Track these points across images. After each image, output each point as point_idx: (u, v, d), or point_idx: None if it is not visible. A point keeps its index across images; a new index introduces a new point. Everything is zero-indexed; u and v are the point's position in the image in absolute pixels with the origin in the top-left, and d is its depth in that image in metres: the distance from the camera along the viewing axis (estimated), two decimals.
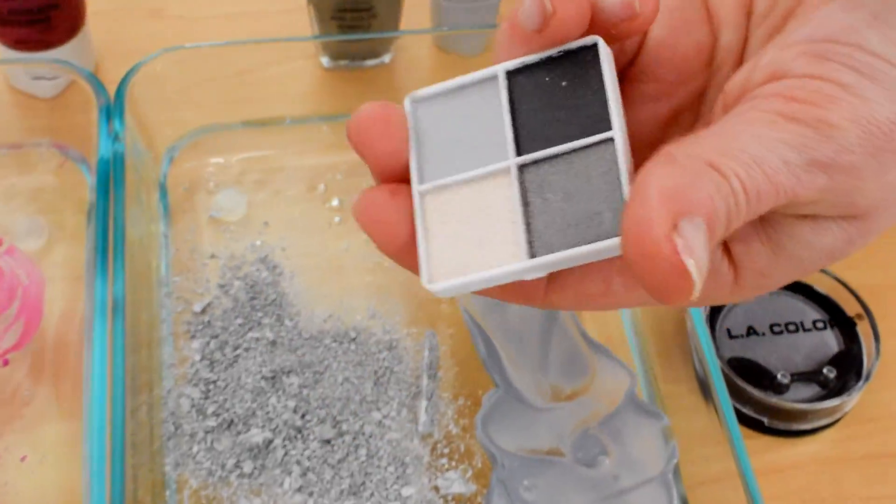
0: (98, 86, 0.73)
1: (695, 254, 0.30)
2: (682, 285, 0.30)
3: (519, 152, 0.36)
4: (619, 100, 0.36)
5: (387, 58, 0.87)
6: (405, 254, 0.36)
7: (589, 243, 0.33)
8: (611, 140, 0.34)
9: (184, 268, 0.74)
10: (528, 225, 0.35)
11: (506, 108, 0.36)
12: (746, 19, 0.40)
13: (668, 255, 0.30)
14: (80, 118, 0.77)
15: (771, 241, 0.36)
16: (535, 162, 0.35)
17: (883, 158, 0.34)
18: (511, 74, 0.37)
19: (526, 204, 0.35)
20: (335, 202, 0.78)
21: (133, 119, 0.73)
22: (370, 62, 0.87)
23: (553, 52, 0.36)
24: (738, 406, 0.71)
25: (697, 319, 0.67)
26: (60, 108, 0.82)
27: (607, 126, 0.35)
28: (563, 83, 0.36)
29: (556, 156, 0.35)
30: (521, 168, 0.35)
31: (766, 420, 0.71)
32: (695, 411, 0.68)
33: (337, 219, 0.77)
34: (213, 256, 0.74)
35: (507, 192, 0.35)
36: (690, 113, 0.41)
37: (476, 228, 0.35)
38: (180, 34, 0.89)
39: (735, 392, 0.70)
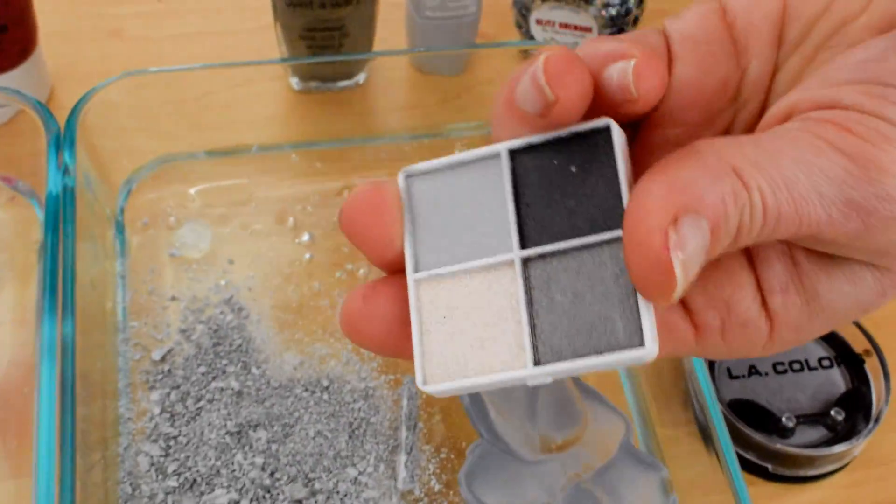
0: (47, 115, 0.67)
1: (685, 253, 0.29)
2: (664, 281, 0.29)
3: (524, 244, 0.33)
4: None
5: (361, 78, 0.82)
6: (394, 351, 0.35)
7: (599, 354, 0.31)
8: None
9: (142, 311, 0.68)
10: (532, 327, 0.33)
11: (509, 193, 0.34)
12: (776, 49, 0.37)
13: (657, 248, 0.29)
14: (29, 148, 0.72)
15: (806, 290, 0.34)
16: (542, 256, 0.33)
17: None
18: (515, 154, 0.34)
19: (530, 303, 0.33)
20: (305, 237, 0.73)
21: (86, 150, 0.68)
22: (343, 83, 0.82)
23: (562, 132, 0.34)
24: (741, 451, 0.66)
25: (697, 360, 0.62)
26: (8, 137, 0.76)
27: (621, 221, 0.32)
28: (573, 168, 0.34)
29: (564, 251, 0.33)
30: (526, 262, 0.33)
31: (770, 466, 0.67)
32: (695, 457, 0.63)
33: (308, 255, 0.72)
34: (173, 298, 0.69)
35: (510, 288, 0.33)
36: None
37: (476, 326, 0.33)
38: (141, 56, 0.85)
39: (737, 437, 0.65)
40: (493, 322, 0.33)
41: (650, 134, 0.37)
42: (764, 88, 0.37)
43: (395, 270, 0.36)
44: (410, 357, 0.34)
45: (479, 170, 0.35)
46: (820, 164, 0.30)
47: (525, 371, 0.32)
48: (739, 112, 0.38)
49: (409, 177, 0.36)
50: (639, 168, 0.36)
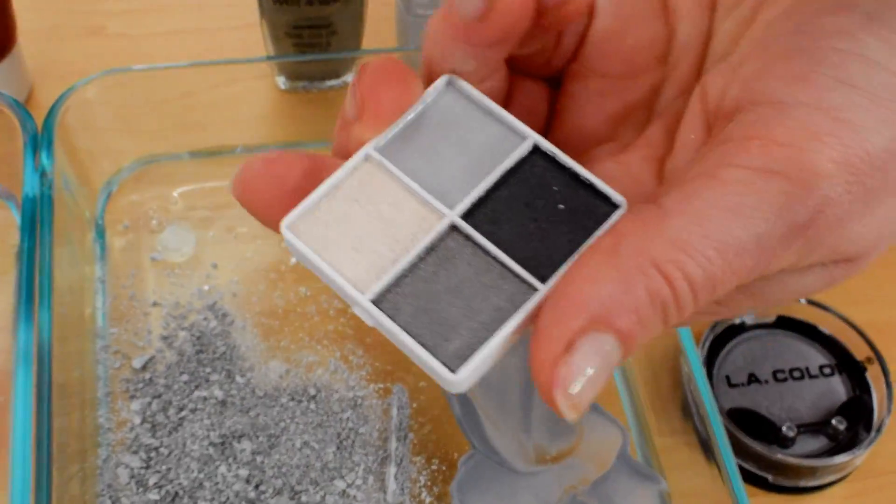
0: (24, 114, 0.65)
1: (575, 381, 0.29)
2: (558, 409, 0.29)
3: (466, 216, 0.34)
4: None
5: (349, 77, 0.80)
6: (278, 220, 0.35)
7: (419, 345, 0.32)
8: (534, 290, 0.33)
9: (122, 317, 0.66)
10: (400, 276, 0.33)
11: (497, 172, 0.35)
12: (710, 11, 0.36)
13: (545, 383, 0.29)
14: (5, 149, 0.69)
15: (748, 290, 0.34)
16: (467, 237, 0.34)
17: (872, 197, 0.31)
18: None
19: (420, 260, 0.33)
20: None
21: (65, 151, 0.66)
22: (330, 82, 0.80)
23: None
24: (740, 461, 0.64)
25: (696, 367, 0.60)
26: None
27: (542, 276, 0.33)
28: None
29: (485, 249, 0.34)
30: (452, 228, 0.34)
31: (770, 477, 0.65)
32: (694, 467, 0.61)
33: (294, 260, 0.70)
34: (155, 304, 0.67)
35: (420, 233, 0.34)
36: (643, 110, 0.38)
37: (369, 230, 0.34)
38: (122, 54, 0.82)
39: (736, 446, 0.64)
40: (382, 242, 0.34)
41: (573, 86, 0.38)
42: (696, 52, 0.37)
43: None
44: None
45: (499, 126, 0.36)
46: (752, 203, 0.29)
47: (359, 297, 0.33)
48: (671, 73, 0.37)
49: (448, 84, 0.36)
50: (567, 121, 0.38)
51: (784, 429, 0.64)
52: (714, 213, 0.30)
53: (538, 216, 0.34)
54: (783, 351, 0.69)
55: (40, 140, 0.64)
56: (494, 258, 0.33)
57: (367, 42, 0.80)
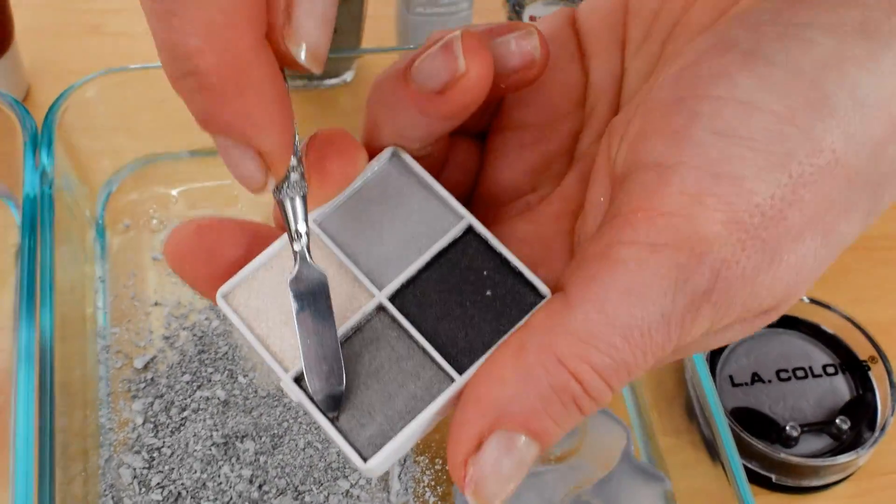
0: (23, 113, 0.65)
1: (485, 477, 0.29)
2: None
3: (393, 299, 0.34)
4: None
5: (348, 76, 0.80)
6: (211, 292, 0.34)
7: (331, 426, 0.32)
8: (451, 381, 0.33)
9: (123, 317, 0.66)
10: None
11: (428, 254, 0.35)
12: (620, 51, 0.36)
13: (459, 481, 0.30)
14: (4, 149, 0.69)
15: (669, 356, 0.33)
16: (393, 320, 0.34)
17: (774, 247, 0.30)
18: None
19: (343, 341, 0.34)
20: None
21: (64, 150, 0.65)
22: (330, 81, 0.79)
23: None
24: (744, 461, 0.64)
25: (700, 367, 0.60)
26: None
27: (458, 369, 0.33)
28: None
29: (410, 336, 0.34)
30: (380, 309, 0.34)
31: (773, 476, 0.65)
32: (698, 467, 0.61)
33: None
34: (156, 304, 0.66)
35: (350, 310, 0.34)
36: (563, 158, 0.37)
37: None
38: (122, 52, 0.82)
39: (740, 446, 0.63)
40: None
41: (495, 139, 0.37)
42: (613, 93, 0.36)
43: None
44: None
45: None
46: (647, 282, 0.29)
47: (282, 374, 0.33)
48: (589, 118, 0.36)
49: (393, 156, 0.36)
50: (490, 175, 0.37)
51: (788, 428, 0.64)
52: (613, 298, 0.29)
53: (465, 300, 0.34)
54: (787, 350, 0.69)
55: (40, 139, 0.64)
56: (417, 343, 0.33)
57: (367, 41, 0.80)
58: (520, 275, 0.34)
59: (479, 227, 0.35)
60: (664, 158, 0.30)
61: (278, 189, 0.32)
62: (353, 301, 0.34)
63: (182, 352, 0.64)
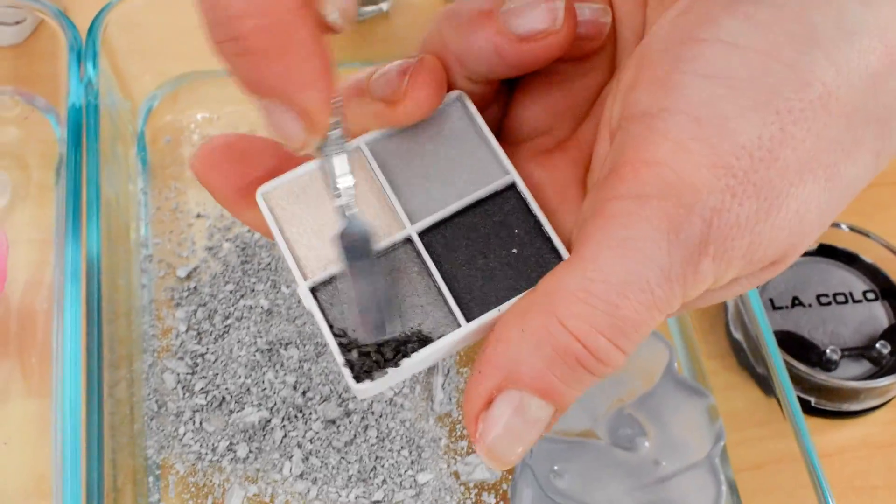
0: (68, 24, 0.65)
1: (497, 434, 0.30)
2: (489, 462, 0.31)
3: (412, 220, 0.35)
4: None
5: (385, 6, 0.79)
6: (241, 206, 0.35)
7: (341, 350, 0.33)
8: (457, 326, 0.34)
9: (166, 228, 0.66)
10: (341, 273, 0.34)
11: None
12: (643, 5, 0.36)
13: (471, 434, 0.30)
14: (47, 65, 0.69)
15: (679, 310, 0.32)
16: (426, 241, 0.35)
17: (769, 192, 0.29)
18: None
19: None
20: None
21: (107, 64, 0.65)
22: (367, 10, 0.79)
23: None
24: None
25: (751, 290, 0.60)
26: (25, 55, 0.73)
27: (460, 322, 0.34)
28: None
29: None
30: (408, 241, 0.35)
31: (813, 400, 0.65)
32: (741, 388, 0.61)
33: None
34: (199, 216, 0.66)
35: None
36: (584, 106, 0.37)
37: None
38: None
39: None
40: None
41: (526, 77, 0.37)
42: (633, 47, 0.35)
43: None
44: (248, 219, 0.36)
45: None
46: (639, 235, 0.28)
47: (300, 280, 0.34)
48: (618, 72, 0.36)
49: (457, 99, 0.36)
50: (511, 111, 0.38)
51: (828, 352, 0.64)
52: (608, 255, 0.29)
53: (490, 253, 0.34)
54: (826, 277, 0.69)
55: (84, 51, 0.64)
56: (434, 282, 0.34)
57: None
58: (548, 240, 0.34)
59: (522, 187, 0.35)
60: (650, 107, 0.30)
61: (320, 146, 0.33)
62: (384, 227, 0.35)
63: (225, 262, 0.64)
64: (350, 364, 0.33)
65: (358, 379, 0.32)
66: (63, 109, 0.66)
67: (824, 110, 0.29)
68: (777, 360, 0.57)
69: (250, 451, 0.57)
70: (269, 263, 0.63)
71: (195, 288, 0.63)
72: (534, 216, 0.35)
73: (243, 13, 0.28)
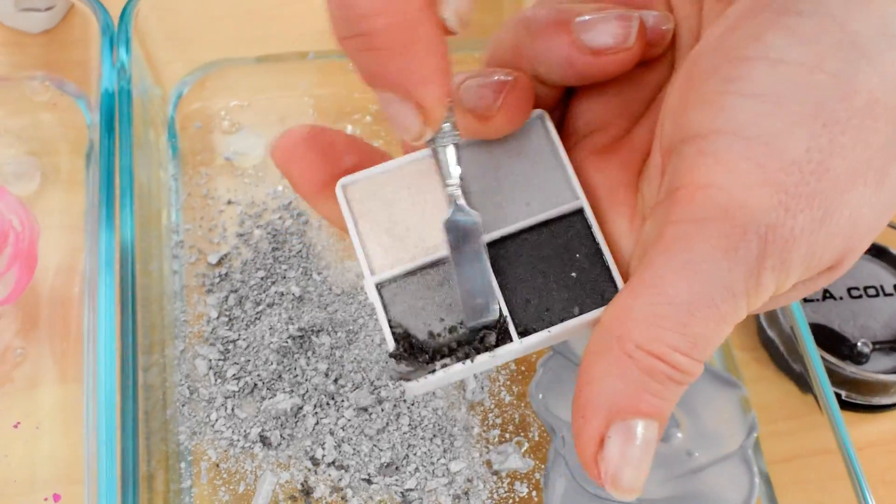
0: (101, 8, 0.65)
1: (620, 466, 0.30)
2: (623, 495, 0.31)
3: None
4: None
5: None
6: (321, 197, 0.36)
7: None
8: (509, 341, 0.35)
9: (196, 215, 0.66)
10: (407, 273, 0.36)
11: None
12: (699, 7, 0.36)
13: (595, 478, 0.31)
14: (78, 52, 0.69)
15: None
16: (492, 252, 0.35)
17: (821, 202, 0.29)
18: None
19: (430, 267, 0.36)
20: None
21: (139, 49, 0.65)
22: None
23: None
24: None
25: None
26: (56, 41, 0.73)
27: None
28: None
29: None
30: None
31: (843, 393, 0.64)
32: (771, 380, 0.61)
33: None
34: (229, 202, 0.66)
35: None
36: (641, 105, 0.38)
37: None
38: None
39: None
40: (411, 234, 0.36)
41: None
42: (686, 50, 0.36)
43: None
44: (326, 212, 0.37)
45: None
46: (699, 258, 0.29)
47: (368, 274, 0.35)
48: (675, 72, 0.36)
49: (539, 118, 0.37)
50: (570, 101, 0.38)
51: (859, 345, 0.64)
52: (671, 279, 0.29)
53: (550, 273, 0.35)
54: (856, 270, 0.68)
55: (117, 36, 0.64)
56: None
57: None
58: (607, 269, 0.35)
59: (589, 213, 0.36)
60: (700, 129, 0.30)
61: (433, 138, 0.34)
62: None
63: (256, 249, 0.63)
64: (398, 361, 0.34)
65: (408, 380, 0.34)
66: (94, 95, 0.65)
67: (871, 117, 0.29)
68: (814, 353, 0.57)
69: (282, 438, 0.57)
70: (300, 251, 0.63)
71: (226, 274, 0.62)
72: (596, 244, 0.35)
73: (373, 12, 0.29)
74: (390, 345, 0.34)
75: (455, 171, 0.35)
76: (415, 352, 0.34)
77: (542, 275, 0.35)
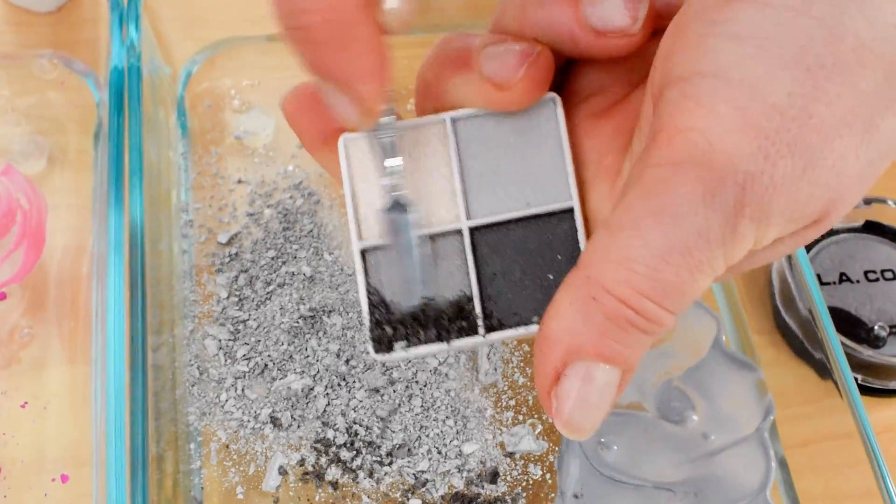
0: None
1: (567, 406, 0.30)
2: (570, 434, 0.31)
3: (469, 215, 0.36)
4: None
5: None
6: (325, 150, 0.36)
7: (371, 318, 0.35)
8: (475, 334, 0.35)
9: (206, 194, 0.65)
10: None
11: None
12: None
13: (547, 410, 0.31)
14: (86, 30, 0.69)
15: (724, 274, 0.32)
16: (475, 238, 0.35)
17: (803, 150, 0.28)
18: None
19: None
20: None
21: (149, 28, 0.64)
22: None
23: None
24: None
25: (802, 259, 0.59)
26: (64, 20, 0.72)
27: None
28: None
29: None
30: (457, 232, 0.35)
31: (860, 377, 0.63)
32: (787, 364, 0.60)
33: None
34: (240, 181, 0.65)
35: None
36: (637, 73, 0.37)
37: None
38: None
39: (827, 344, 0.62)
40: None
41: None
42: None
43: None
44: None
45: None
46: (675, 201, 0.29)
47: (354, 239, 0.35)
48: None
49: (552, 100, 0.36)
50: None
51: (876, 328, 0.63)
52: (647, 221, 0.29)
53: (528, 270, 0.35)
54: (873, 254, 0.67)
55: (126, 13, 0.63)
56: (469, 282, 0.35)
57: None
58: None
59: (578, 216, 0.35)
60: (683, 72, 0.30)
61: (373, 129, 0.34)
62: (442, 209, 0.35)
63: (266, 228, 0.63)
64: (372, 329, 0.34)
65: (377, 351, 0.34)
66: (102, 74, 0.65)
67: (858, 63, 0.28)
68: (833, 337, 0.57)
69: (293, 419, 0.56)
70: (311, 230, 0.63)
71: (236, 254, 0.62)
72: (579, 248, 0.35)
73: (311, 8, 0.30)
74: (364, 311, 0.35)
75: (392, 163, 0.35)
76: (389, 322, 0.34)
77: (520, 270, 0.35)
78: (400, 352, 0.34)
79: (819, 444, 0.57)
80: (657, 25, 0.35)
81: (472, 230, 0.35)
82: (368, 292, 0.35)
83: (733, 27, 0.29)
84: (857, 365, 0.63)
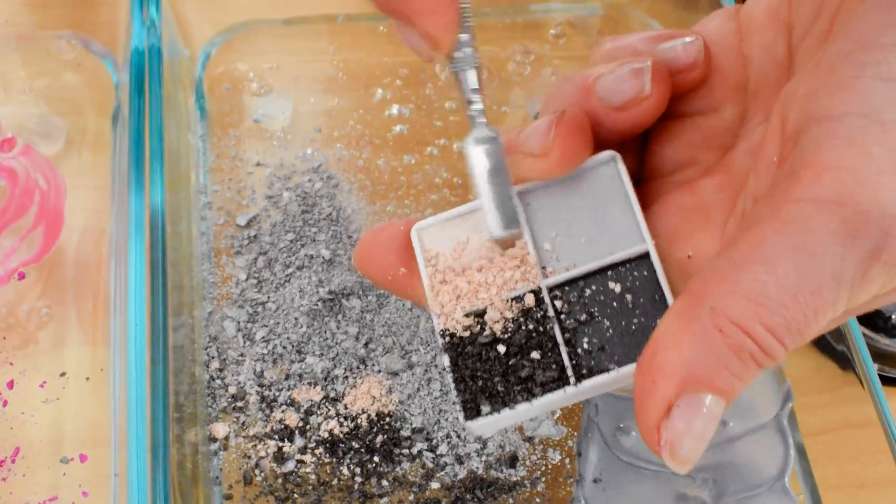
0: None
1: (680, 438, 0.30)
2: (678, 466, 0.31)
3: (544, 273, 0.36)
4: None
5: None
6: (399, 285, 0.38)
7: (458, 390, 0.36)
8: (566, 384, 0.35)
9: (224, 176, 0.65)
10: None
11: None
12: (786, 32, 0.35)
13: (653, 444, 0.30)
14: (105, 12, 0.69)
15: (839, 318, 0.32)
16: (554, 294, 0.36)
17: None
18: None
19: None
20: (394, 110, 0.69)
21: (168, 9, 0.64)
22: None
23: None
24: (844, 350, 0.63)
25: None
26: (82, 2, 0.72)
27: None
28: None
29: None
30: (536, 292, 0.36)
31: (876, 366, 0.63)
32: (804, 354, 0.60)
33: (397, 129, 0.68)
34: (258, 164, 0.65)
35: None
36: (724, 136, 0.38)
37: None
38: None
39: (842, 333, 0.62)
40: (477, 275, 0.37)
41: (660, 123, 0.38)
42: (775, 75, 0.36)
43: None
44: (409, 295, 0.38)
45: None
46: (816, 240, 0.28)
47: (436, 319, 0.36)
48: (754, 100, 0.36)
49: (612, 159, 0.37)
50: (650, 150, 0.38)
51: (893, 317, 0.63)
52: (783, 258, 0.29)
53: (613, 319, 0.35)
54: None
55: None
56: (554, 338, 0.35)
57: None
58: None
59: (654, 257, 0.35)
60: (832, 111, 0.29)
61: (451, 61, 0.36)
62: (519, 273, 0.36)
63: (285, 211, 0.63)
64: (463, 402, 0.35)
65: (468, 417, 0.35)
66: (121, 55, 0.65)
67: None
68: (854, 326, 0.56)
69: (311, 401, 0.56)
70: (330, 213, 0.63)
71: (255, 236, 0.62)
72: (660, 288, 0.35)
73: None
74: (452, 386, 0.36)
75: (474, 94, 0.36)
76: (484, 398, 0.35)
77: (605, 320, 0.35)
78: (492, 419, 0.35)
79: (838, 432, 0.57)
80: (685, 80, 0.36)
81: (550, 289, 0.36)
82: (451, 364, 0.36)
83: (885, 70, 0.29)
84: (874, 354, 0.63)
